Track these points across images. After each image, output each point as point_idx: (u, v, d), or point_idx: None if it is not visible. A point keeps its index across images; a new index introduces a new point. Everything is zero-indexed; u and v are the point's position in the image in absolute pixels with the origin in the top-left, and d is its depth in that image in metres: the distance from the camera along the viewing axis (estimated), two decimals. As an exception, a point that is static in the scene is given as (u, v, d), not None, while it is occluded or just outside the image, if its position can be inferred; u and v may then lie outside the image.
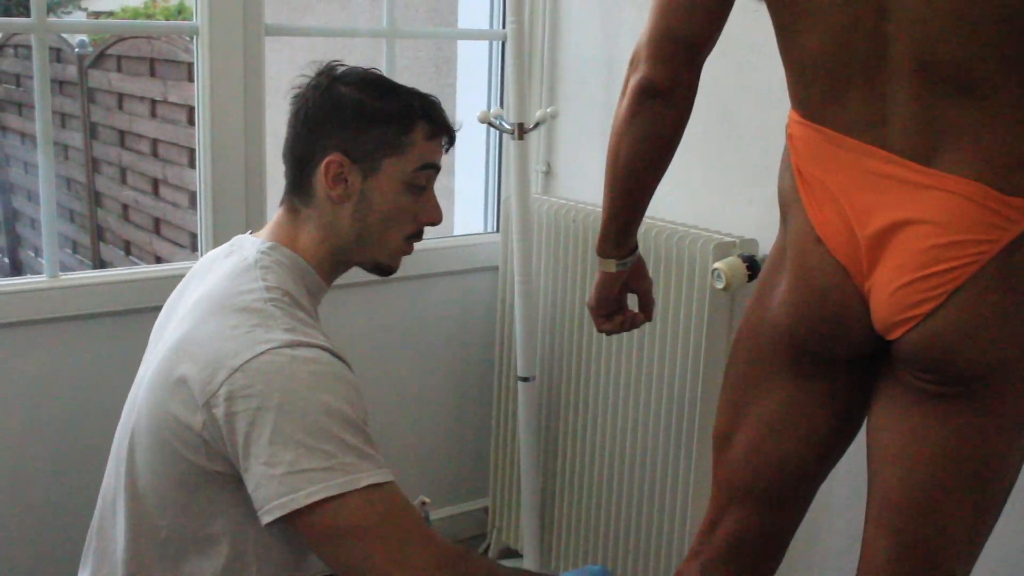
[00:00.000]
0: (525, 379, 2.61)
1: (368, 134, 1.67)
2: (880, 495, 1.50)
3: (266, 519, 1.45)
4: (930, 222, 1.36)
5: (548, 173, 2.85)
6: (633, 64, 1.57)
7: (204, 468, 1.53)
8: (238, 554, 1.57)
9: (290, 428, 1.44)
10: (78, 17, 13.44)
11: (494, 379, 2.87)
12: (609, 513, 2.55)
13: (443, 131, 1.75)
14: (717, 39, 1.55)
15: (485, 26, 2.92)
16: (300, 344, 1.51)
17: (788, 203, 1.52)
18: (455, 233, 3.11)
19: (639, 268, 1.83)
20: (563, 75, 2.78)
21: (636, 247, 1.80)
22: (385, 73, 2.56)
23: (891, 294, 1.39)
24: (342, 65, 1.75)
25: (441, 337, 2.87)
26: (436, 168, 1.75)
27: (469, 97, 3.04)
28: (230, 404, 1.46)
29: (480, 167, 2.99)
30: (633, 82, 1.56)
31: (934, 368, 1.40)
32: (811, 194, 1.46)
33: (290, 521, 1.44)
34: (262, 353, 1.48)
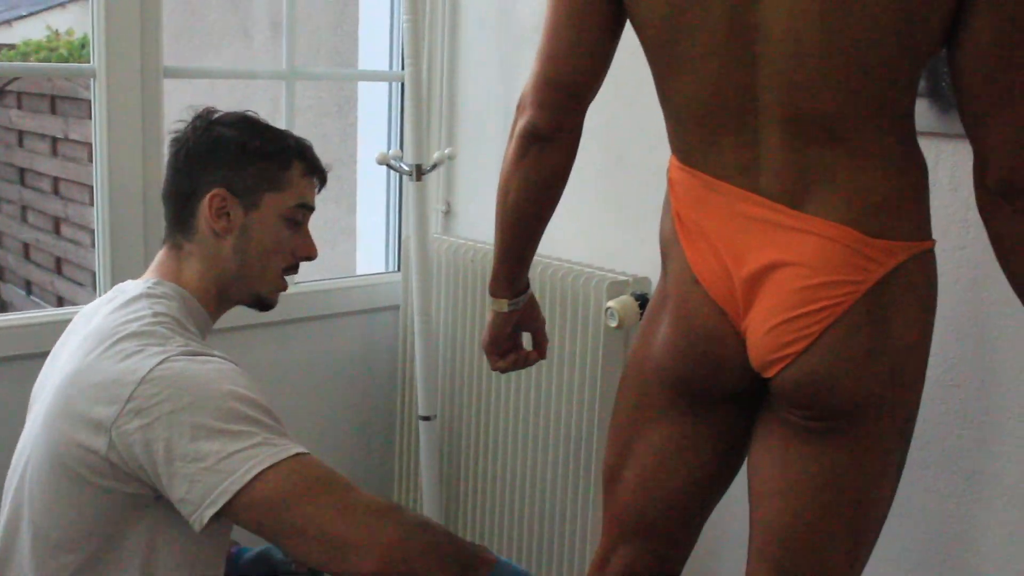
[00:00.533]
0: (426, 418, 2.63)
1: (248, 170, 1.73)
2: (761, 528, 1.55)
3: (208, 513, 1.45)
4: (800, 264, 1.42)
5: (448, 213, 2.88)
6: (520, 109, 1.61)
7: (113, 490, 1.52)
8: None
9: (208, 421, 1.46)
10: (-20, 50, 13.21)
11: (396, 419, 2.89)
12: (511, 548, 2.58)
13: (316, 171, 1.82)
14: (600, 85, 1.60)
15: (385, 67, 2.95)
16: (196, 353, 1.55)
17: (668, 246, 1.57)
18: (358, 273, 3.13)
19: (531, 307, 1.86)
20: (462, 116, 2.83)
21: (527, 287, 1.83)
22: (284, 114, 2.61)
23: (766, 333, 1.44)
24: (217, 111, 1.81)
25: (344, 377, 2.87)
26: (311, 208, 1.82)
27: (370, 137, 3.07)
28: (142, 417, 1.47)
29: (382, 207, 3.02)
30: (519, 127, 1.61)
31: (808, 404, 1.45)
32: (689, 237, 1.51)
33: (229, 509, 1.45)
34: (161, 363, 1.51)
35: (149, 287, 1.69)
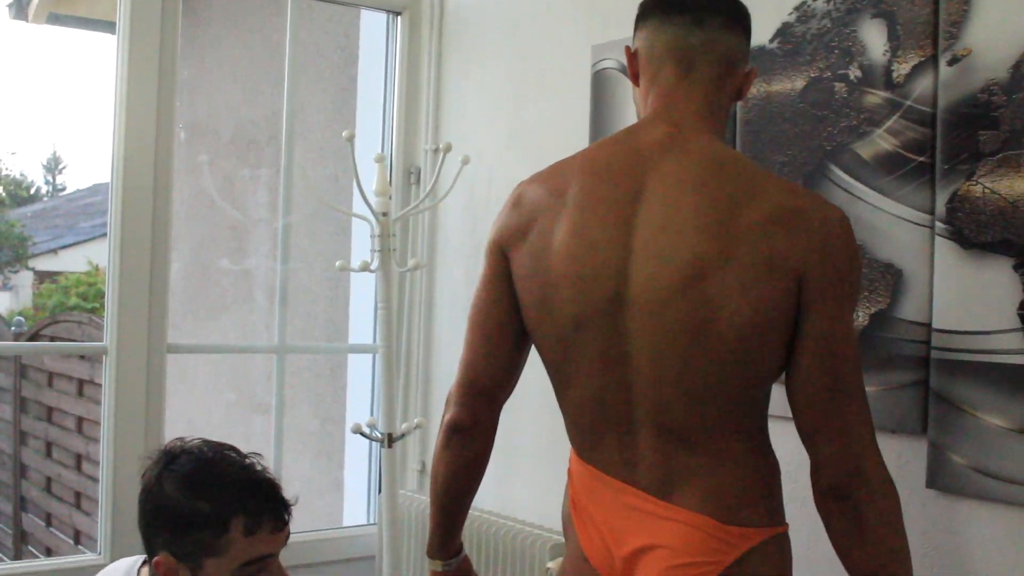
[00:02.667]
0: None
1: (186, 538, 1.78)
2: None
3: None
4: (667, 547, 1.68)
5: (423, 472, 3.16)
6: (447, 405, 1.92)
7: None
8: None
9: None
10: (25, 276, 13.78)
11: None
12: None
13: (263, 521, 1.80)
14: (512, 388, 1.90)
15: (371, 339, 3.29)
16: None
17: (567, 527, 1.85)
18: (343, 524, 3.39)
19: (465, 567, 2.08)
20: (436, 386, 3.14)
21: (461, 549, 2.06)
22: (275, 383, 2.91)
23: (642, 606, 1.71)
24: (183, 446, 1.86)
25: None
26: (264, 558, 1.81)
27: (358, 403, 3.39)
28: None
29: (364, 464, 3.31)
30: (444, 421, 1.91)
31: (676, 666, 1.70)
32: (580, 521, 1.79)
33: None
34: None
35: None
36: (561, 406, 1.84)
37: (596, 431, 1.77)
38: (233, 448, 1.90)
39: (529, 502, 2.77)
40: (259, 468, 1.88)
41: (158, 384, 2.74)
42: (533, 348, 1.86)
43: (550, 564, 2.46)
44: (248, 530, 1.79)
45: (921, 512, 2.04)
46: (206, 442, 1.89)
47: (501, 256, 1.83)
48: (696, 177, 1.66)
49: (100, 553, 2.73)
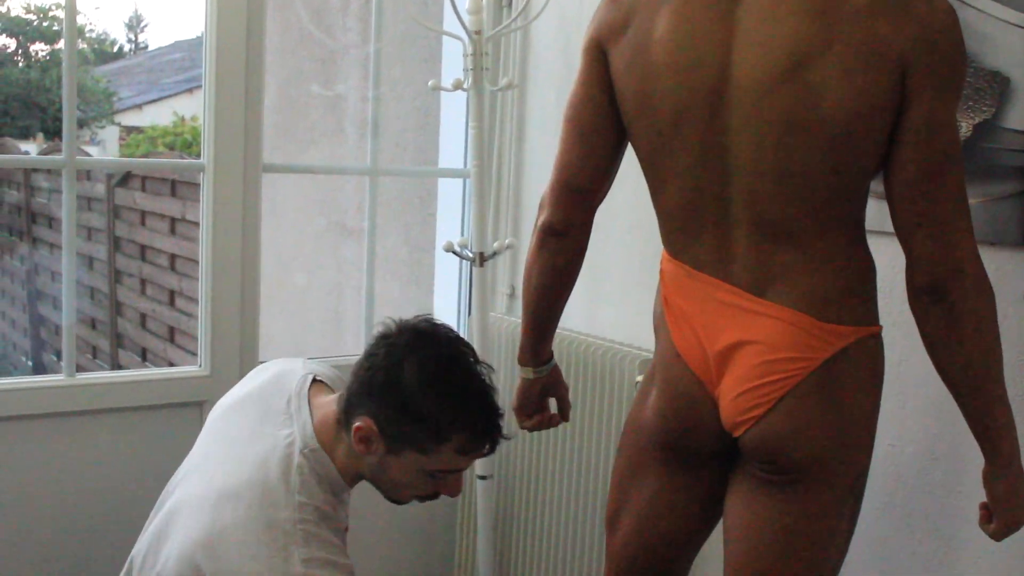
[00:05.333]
0: (483, 477, 2.92)
1: (404, 426, 1.81)
2: (730, 566, 1.81)
3: None
4: (762, 342, 1.70)
5: (512, 295, 3.20)
6: (540, 208, 1.93)
7: None
8: None
9: None
10: (111, 132, 13.99)
11: (458, 478, 3.18)
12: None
13: (479, 449, 1.87)
14: (608, 188, 1.91)
15: (461, 164, 3.30)
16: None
17: (658, 326, 1.87)
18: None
19: (555, 375, 2.14)
20: (527, 207, 3.15)
21: (551, 357, 2.11)
22: (368, 204, 2.94)
23: (733, 399, 1.73)
24: (433, 330, 1.89)
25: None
26: (458, 469, 1.88)
27: (448, 226, 3.41)
28: None
29: (455, 288, 3.35)
30: (539, 224, 1.92)
31: (768, 460, 1.73)
32: (673, 318, 1.81)
33: None
34: None
35: (306, 455, 1.84)
36: (656, 205, 1.84)
37: (691, 228, 1.77)
38: (473, 353, 1.92)
39: (617, 323, 2.80)
40: (495, 393, 1.90)
41: (254, 202, 2.78)
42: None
43: (639, 378, 2.49)
44: (463, 450, 1.84)
45: (1018, 324, 2.02)
46: (454, 334, 1.93)
47: (599, 53, 1.82)
48: None
49: (201, 365, 2.82)
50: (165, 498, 1.99)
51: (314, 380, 2.00)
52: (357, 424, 1.82)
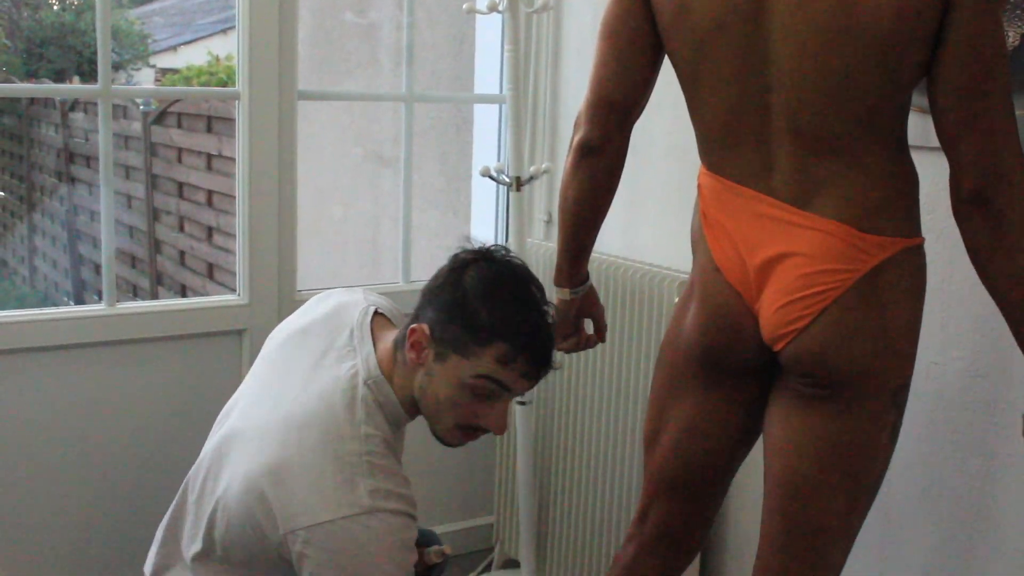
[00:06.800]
0: (522, 403, 2.93)
1: (453, 326, 1.83)
2: (771, 480, 1.81)
3: None
4: (804, 254, 1.68)
5: (549, 222, 3.18)
6: (576, 126, 1.91)
7: (274, 556, 1.82)
8: None
9: None
10: (147, 74, 14.00)
11: (497, 404, 3.19)
12: (600, 523, 2.87)
13: (519, 361, 1.84)
14: (645, 104, 1.88)
15: (496, 91, 3.28)
16: (377, 511, 1.75)
17: (696, 241, 1.86)
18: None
19: (591, 296, 2.13)
20: (563, 132, 3.13)
21: (587, 278, 2.10)
22: (403, 131, 2.92)
23: (774, 312, 1.71)
24: (506, 256, 1.92)
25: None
26: (496, 383, 1.85)
27: (484, 153, 3.39)
28: (301, 553, 1.75)
29: (491, 215, 3.34)
30: (575, 141, 1.90)
31: (809, 373, 1.72)
32: (712, 232, 1.79)
33: None
34: (341, 519, 1.73)
35: (370, 386, 1.86)
36: (694, 119, 1.82)
37: (730, 141, 1.75)
38: (538, 284, 1.93)
39: (655, 246, 2.78)
40: (549, 320, 1.90)
41: (289, 127, 2.77)
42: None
43: (678, 299, 2.47)
44: (502, 359, 1.83)
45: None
46: (524, 265, 1.95)
47: None
48: None
49: (239, 295, 2.82)
50: (222, 422, 2.01)
51: (376, 313, 2.00)
52: (412, 327, 1.84)
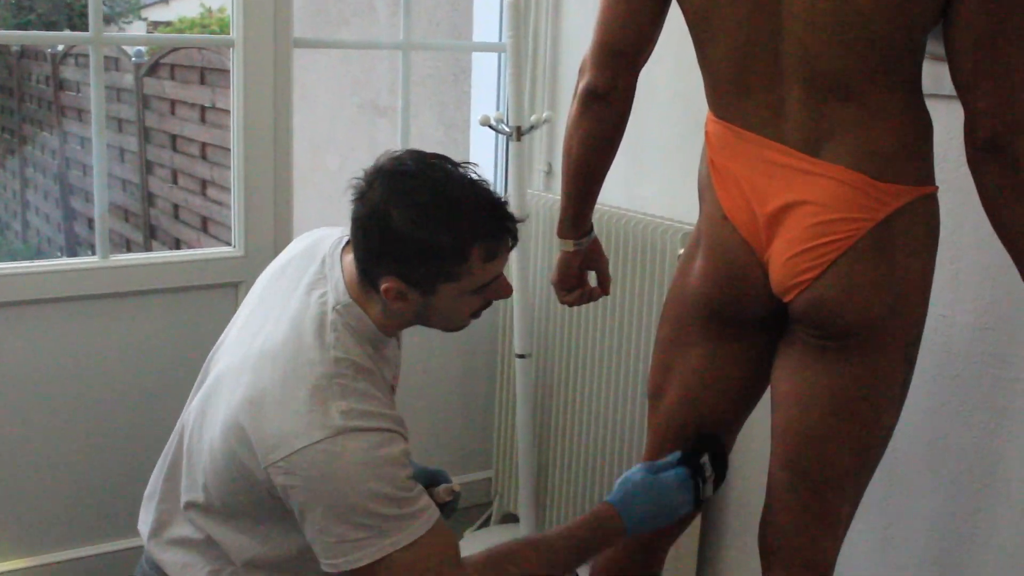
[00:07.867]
0: (522, 356, 2.90)
1: (424, 267, 1.75)
2: (779, 433, 1.78)
3: (323, 565, 1.74)
4: (815, 203, 1.64)
5: (549, 172, 3.14)
6: (580, 72, 1.86)
7: (266, 496, 1.79)
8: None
9: (340, 512, 1.69)
10: (138, 27, 13.87)
11: (496, 357, 3.17)
12: (601, 478, 2.84)
13: (502, 247, 1.79)
14: (651, 50, 1.83)
15: (495, 39, 3.22)
16: (351, 430, 1.70)
17: (703, 189, 1.81)
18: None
19: (595, 248, 2.09)
20: (564, 81, 3.07)
21: (591, 229, 2.05)
22: (401, 78, 2.87)
23: (784, 263, 1.68)
24: (398, 165, 1.77)
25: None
26: (493, 277, 1.80)
27: (482, 103, 3.34)
28: (285, 484, 1.72)
29: (491, 166, 3.29)
30: (580, 88, 1.85)
31: (819, 324, 1.68)
32: (721, 181, 1.75)
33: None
34: (315, 443, 1.68)
35: (339, 311, 1.80)
36: (702, 63, 1.77)
37: (740, 87, 1.70)
38: (449, 160, 1.80)
39: (658, 197, 2.74)
40: (487, 187, 1.80)
41: (285, 75, 2.72)
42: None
43: (681, 251, 2.44)
44: (488, 256, 1.76)
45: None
46: (420, 157, 1.80)
47: None
48: None
49: (235, 246, 2.78)
50: (208, 368, 1.98)
51: (348, 241, 1.95)
52: (384, 286, 1.77)
